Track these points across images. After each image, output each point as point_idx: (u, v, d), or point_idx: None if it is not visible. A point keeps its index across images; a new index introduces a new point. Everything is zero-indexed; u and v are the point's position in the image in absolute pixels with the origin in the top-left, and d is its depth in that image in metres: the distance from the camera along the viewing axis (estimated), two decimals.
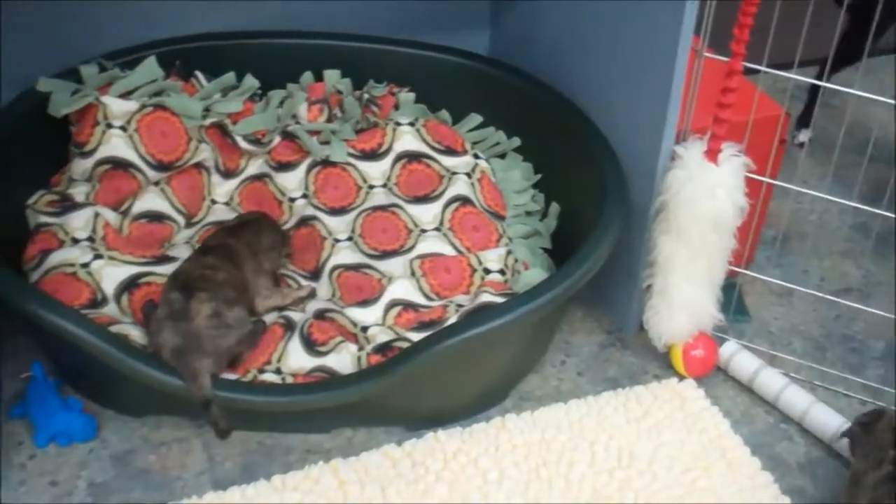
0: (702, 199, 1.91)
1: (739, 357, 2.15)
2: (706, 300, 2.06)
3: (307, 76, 2.39)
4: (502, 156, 2.37)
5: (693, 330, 2.10)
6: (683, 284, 2.02)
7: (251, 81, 2.35)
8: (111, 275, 2.00)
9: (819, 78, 2.55)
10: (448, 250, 2.16)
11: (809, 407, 2.05)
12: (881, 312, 2.13)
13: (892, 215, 1.98)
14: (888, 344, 2.24)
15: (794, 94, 2.82)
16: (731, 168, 1.93)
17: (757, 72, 1.95)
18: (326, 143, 2.28)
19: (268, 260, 2.10)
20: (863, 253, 2.47)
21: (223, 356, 1.87)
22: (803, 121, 2.81)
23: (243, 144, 2.26)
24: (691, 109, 1.95)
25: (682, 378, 2.13)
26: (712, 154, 1.92)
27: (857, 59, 2.27)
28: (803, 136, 2.80)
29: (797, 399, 2.07)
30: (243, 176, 2.30)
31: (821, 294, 2.22)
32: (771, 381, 2.10)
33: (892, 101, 1.91)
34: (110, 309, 1.97)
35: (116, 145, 2.17)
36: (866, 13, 2.05)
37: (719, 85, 1.88)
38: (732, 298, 2.22)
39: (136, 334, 1.91)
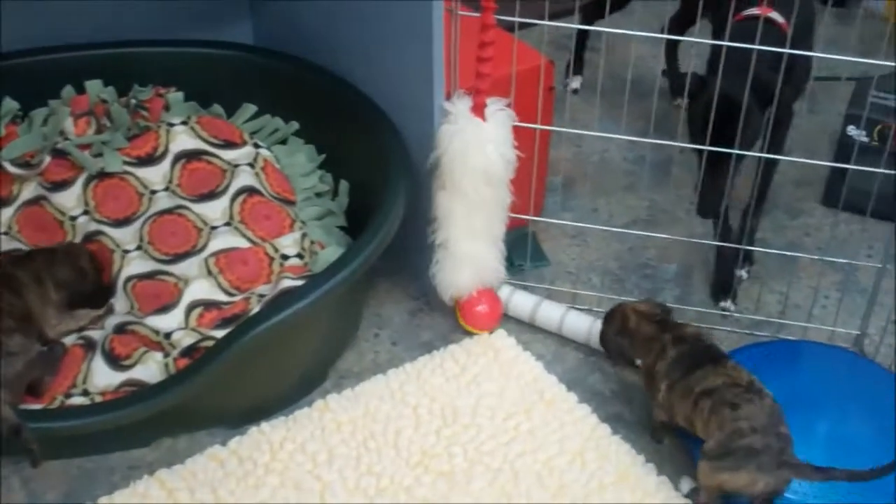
0: (471, 154, 1.96)
1: (516, 297, 2.23)
2: (488, 253, 2.12)
3: (68, 90, 2.32)
4: (284, 142, 2.36)
5: (478, 284, 2.15)
6: (463, 238, 2.07)
7: (9, 104, 2.27)
8: None
9: (583, 23, 2.68)
10: (242, 243, 2.14)
11: (564, 316, 2.18)
12: (668, 236, 2.26)
13: (662, 142, 2.09)
14: (679, 265, 2.37)
15: (565, 44, 2.95)
16: (498, 121, 1.99)
17: (529, 26, 2.00)
18: (99, 155, 2.22)
19: (59, 290, 2.05)
20: (643, 184, 2.60)
21: (14, 384, 1.80)
22: (574, 69, 2.92)
23: (12, 169, 2.17)
24: (456, 67, 2.00)
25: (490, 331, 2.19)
26: (479, 109, 1.97)
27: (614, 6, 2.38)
28: (575, 82, 2.91)
29: (552, 312, 2.18)
30: (18, 202, 2.21)
31: (611, 228, 2.33)
32: (548, 311, 2.20)
33: (649, 35, 2.01)
34: None
35: None
36: None
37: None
38: (528, 246, 2.30)
39: None
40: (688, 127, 2.07)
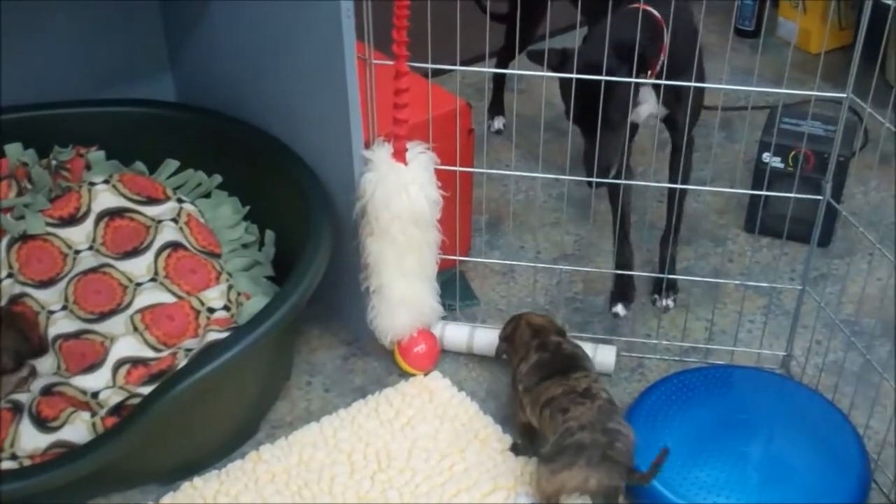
0: (395, 198, 1.98)
1: (449, 330, 2.26)
2: (423, 293, 2.14)
3: None
4: (207, 195, 2.37)
5: (416, 324, 2.17)
6: (397, 281, 2.09)
7: None
8: None
9: (498, 67, 2.73)
10: (168, 298, 2.14)
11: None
12: (594, 269, 2.30)
13: (579, 178, 2.13)
14: (606, 298, 2.40)
15: (484, 87, 3.00)
16: (420, 164, 2.02)
17: (445, 72, 2.04)
18: (21, 217, 2.20)
19: (8, 356, 2.03)
20: (568, 220, 2.64)
21: None
22: (494, 109, 2.96)
23: None
24: (374, 115, 2.02)
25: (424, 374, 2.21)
26: (399, 154, 2.00)
27: (523, 48, 2.43)
28: (497, 122, 2.95)
29: (490, 335, 2.21)
30: None
31: (538, 265, 2.36)
32: (485, 336, 2.23)
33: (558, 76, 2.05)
34: None
35: None
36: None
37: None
38: (456, 286, 2.32)
39: None
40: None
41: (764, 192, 2.19)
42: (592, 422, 1.81)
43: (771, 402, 2.09)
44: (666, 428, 1.98)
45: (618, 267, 2.33)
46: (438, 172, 2.07)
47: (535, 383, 1.95)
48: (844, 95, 1.92)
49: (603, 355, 2.19)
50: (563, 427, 1.82)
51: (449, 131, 2.16)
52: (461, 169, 2.18)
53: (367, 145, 2.04)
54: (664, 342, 2.28)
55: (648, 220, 2.39)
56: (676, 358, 2.25)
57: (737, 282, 2.30)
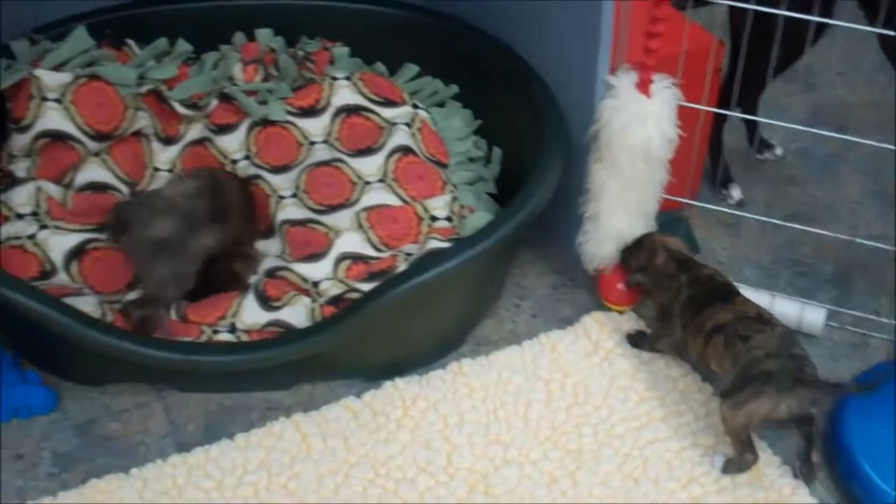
0: (632, 129, 1.93)
1: None
2: (636, 230, 2.08)
3: (239, 37, 2.38)
4: (441, 104, 2.37)
5: None
6: (614, 213, 2.05)
7: (184, 46, 2.33)
8: (58, 244, 2.00)
9: None
10: (394, 200, 2.17)
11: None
12: (829, 233, 2.16)
13: (828, 134, 2.01)
14: (837, 266, 2.27)
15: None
16: (663, 99, 1.95)
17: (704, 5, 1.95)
18: (264, 102, 2.27)
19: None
20: (806, 178, 2.49)
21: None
22: None
23: (181, 110, 2.24)
24: (624, 41, 1.96)
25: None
26: (644, 85, 1.93)
27: None
28: None
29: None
30: (184, 141, 2.29)
31: (768, 219, 2.24)
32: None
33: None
34: (60, 278, 1.97)
35: (53, 118, 2.15)
36: None
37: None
38: (680, 230, 2.24)
39: (88, 303, 1.91)
40: None
41: None
42: (778, 350, 1.78)
43: None
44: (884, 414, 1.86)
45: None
46: (679, 110, 1.98)
47: (693, 314, 1.91)
48: None
49: (811, 316, 2.09)
50: (748, 357, 1.78)
51: (696, 68, 2.06)
52: (706, 108, 2.08)
53: (612, 71, 1.97)
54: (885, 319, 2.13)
55: None
56: None
57: None
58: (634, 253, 2.06)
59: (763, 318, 1.85)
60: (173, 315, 1.99)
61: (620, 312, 2.15)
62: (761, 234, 2.32)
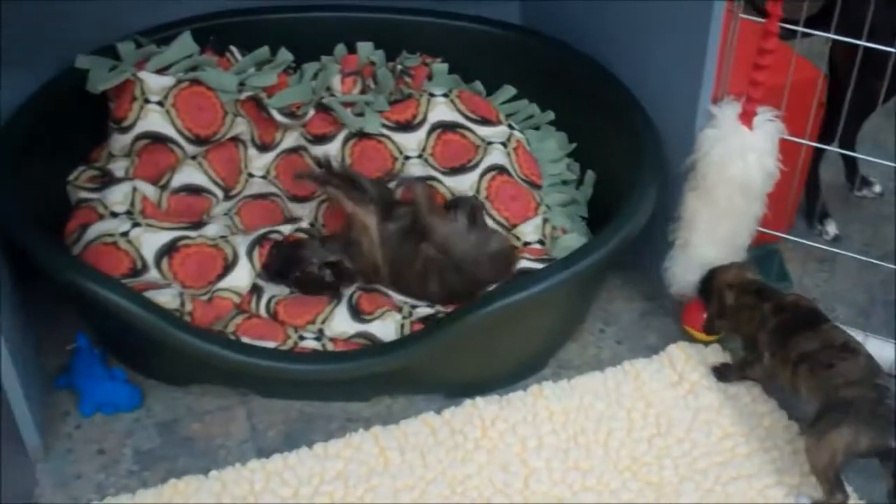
0: (732, 161, 1.90)
1: None
2: (725, 261, 2.04)
3: (340, 48, 2.40)
4: (536, 128, 2.36)
5: None
6: (704, 243, 2.02)
7: (285, 55, 2.36)
8: (150, 241, 2.03)
9: None
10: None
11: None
12: None
13: None
14: None
15: None
16: (765, 132, 1.92)
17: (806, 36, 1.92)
18: (360, 114, 2.28)
19: None
20: None
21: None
22: None
23: (279, 118, 2.27)
24: (728, 71, 1.94)
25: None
26: (747, 117, 1.90)
27: None
28: None
29: None
30: (279, 149, 2.32)
31: (863, 258, 2.19)
32: None
33: None
34: (151, 275, 2.00)
35: (154, 120, 2.19)
36: None
37: (756, 47, 1.86)
38: (773, 264, 2.20)
39: (167, 295, 1.94)
40: None
41: None
42: (861, 378, 1.76)
43: None
44: None
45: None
46: (782, 143, 1.95)
47: (781, 342, 1.89)
48: None
49: (878, 350, 2.00)
50: (830, 385, 1.77)
51: (800, 100, 2.03)
52: (809, 143, 2.04)
53: (715, 100, 1.95)
54: None
55: None
56: None
57: None
58: (705, 299, 2.04)
59: (849, 347, 1.83)
60: (263, 312, 2.02)
61: (706, 344, 2.11)
62: (856, 272, 2.27)
